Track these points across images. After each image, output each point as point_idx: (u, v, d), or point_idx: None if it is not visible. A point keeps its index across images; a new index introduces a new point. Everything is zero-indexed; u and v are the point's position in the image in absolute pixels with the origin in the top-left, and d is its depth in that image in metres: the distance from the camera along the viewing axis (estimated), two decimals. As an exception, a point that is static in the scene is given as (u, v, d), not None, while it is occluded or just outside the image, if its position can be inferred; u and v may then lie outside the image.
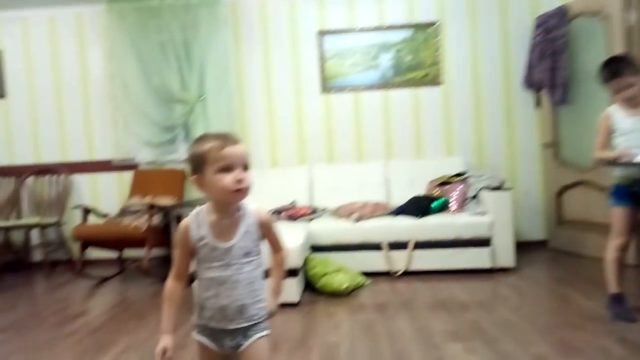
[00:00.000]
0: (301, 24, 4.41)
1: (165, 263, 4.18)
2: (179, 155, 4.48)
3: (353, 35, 4.36)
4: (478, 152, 4.34)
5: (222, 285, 1.23)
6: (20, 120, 4.60)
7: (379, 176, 4.17)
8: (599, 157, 2.46)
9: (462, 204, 3.73)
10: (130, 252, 4.27)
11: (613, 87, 2.39)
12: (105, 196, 4.56)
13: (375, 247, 3.55)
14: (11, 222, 4.29)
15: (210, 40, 4.32)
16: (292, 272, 2.89)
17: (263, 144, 4.45)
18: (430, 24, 4.30)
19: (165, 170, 4.46)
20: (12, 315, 3.10)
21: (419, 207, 3.66)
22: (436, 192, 3.87)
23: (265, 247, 1.33)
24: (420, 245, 3.52)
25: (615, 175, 2.46)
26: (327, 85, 4.39)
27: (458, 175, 3.95)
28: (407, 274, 3.50)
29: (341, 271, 3.24)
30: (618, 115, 2.41)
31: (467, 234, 3.49)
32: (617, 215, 2.42)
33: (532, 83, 4.15)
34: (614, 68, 2.38)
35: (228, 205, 1.25)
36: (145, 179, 4.38)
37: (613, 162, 2.38)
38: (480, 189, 3.74)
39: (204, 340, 1.27)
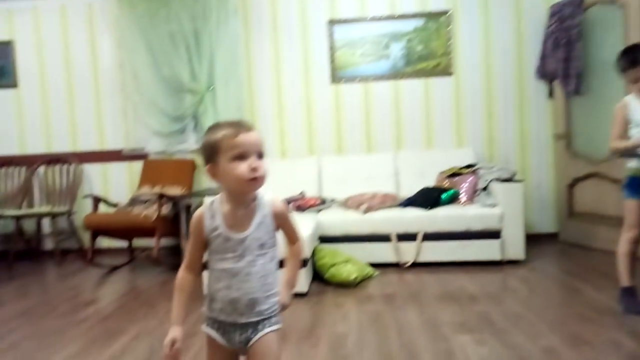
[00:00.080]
0: (311, 13, 4.37)
1: (174, 253, 4.21)
2: (189, 146, 4.49)
3: (364, 24, 4.31)
4: (489, 143, 4.29)
5: (234, 277, 1.19)
6: (32, 110, 4.63)
7: (389, 167, 4.15)
8: (615, 147, 2.42)
9: (472, 196, 3.70)
10: (139, 242, 4.30)
11: (630, 76, 2.34)
12: (115, 186, 4.59)
13: (384, 238, 3.54)
14: (23, 211, 4.34)
15: (220, 30, 4.30)
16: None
17: (272, 135, 4.44)
18: (442, 13, 4.24)
19: (174, 160, 4.47)
20: (24, 302, 3.15)
21: (428, 198, 3.64)
22: (446, 183, 3.84)
23: (280, 238, 1.29)
24: (430, 236, 3.50)
25: (629, 167, 2.42)
26: (337, 75, 4.36)
27: (468, 166, 3.91)
28: (415, 265, 3.49)
29: (350, 262, 3.23)
30: (634, 105, 2.36)
31: (477, 226, 3.46)
32: (630, 207, 2.38)
33: (545, 73, 4.08)
34: (632, 57, 2.33)
35: (243, 195, 1.21)
36: (155, 169, 4.40)
37: (629, 153, 2.34)
38: (491, 181, 3.70)
39: (213, 333, 1.23)
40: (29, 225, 4.62)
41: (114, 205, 4.22)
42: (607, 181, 3.66)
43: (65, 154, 4.59)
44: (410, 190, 3.90)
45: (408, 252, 3.51)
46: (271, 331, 1.22)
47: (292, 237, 1.32)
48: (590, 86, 3.82)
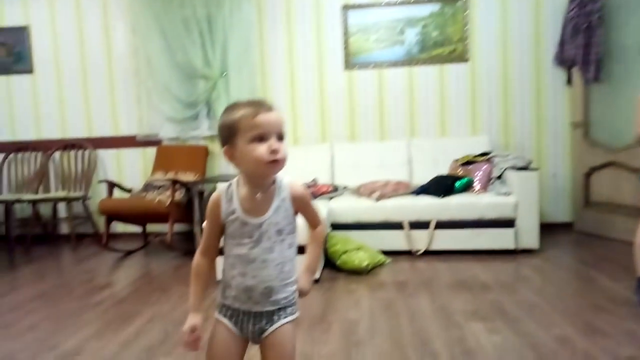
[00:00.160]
0: (325, -2, 4.33)
1: (187, 238, 4.25)
2: (202, 132, 4.51)
3: (378, 9, 4.25)
4: (504, 131, 4.23)
5: (250, 264, 1.13)
6: (47, 95, 4.67)
7: (402, 155, 4.12)
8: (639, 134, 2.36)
9: (487, 184, 3.66)
10: (153, 227, 4.34)
11: None
12: (129, 171, 4.63)
13: (397, 226, 3.53)
14: (39, 196, 4.40)
15: (233, 16, 4.28)
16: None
17: (285, 121, 4.41)
18: (458, -2, 4.16)
19: (187, 146, 4.49)
20: (41, 285, 3.21)
21: (441, 186, 3.61)
22: (460, 171, 3.80)
23: (301, 223, 1.23)
24: (443, 224, 3.48)
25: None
26: (351, 61, 4.32)
27: (483, 154, 3.86)
28: (428, 253, 3.48)
29: (361, 249, 3.23)
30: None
31: (490, 215, 3.43)
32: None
33: (563, 60, 4.00)
34: None
35: (262, 179, 1.14)
36: (169, 155, 4.42)
37: None
38: (506, 169, 3.66)
39: (226, 321, 1.18)
40: (45, 210, 4.70)
41: (128, 190, 4.26)
42: (625, 170, 3.59)
43: (80, 139, 4.63)
44: (423, 178, 3.87)
45: (420, 240, 3.50)
46: (287, 322, 1.17)
47: (313, 222, 1.26)
48: (610, 73, 3.73)
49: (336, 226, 3.51)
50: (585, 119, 3.95)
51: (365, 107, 4.35)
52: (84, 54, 4.60)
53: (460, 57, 4.20)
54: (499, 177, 3.69)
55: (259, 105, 1.11)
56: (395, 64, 4.27)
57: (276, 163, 1.09)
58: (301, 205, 1.20)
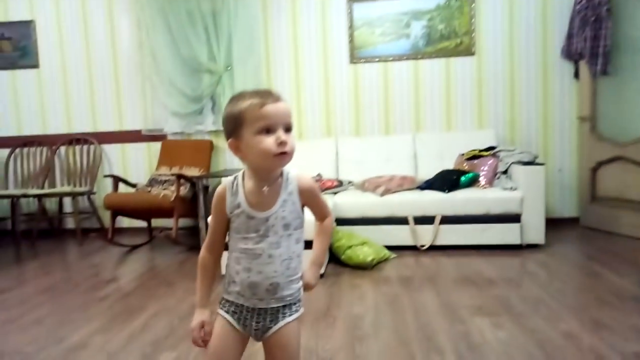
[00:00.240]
0: (329, -9, 4.30)
1: (192, 233, 4.26)
2: (206, 126, 4.50)
3: (384, 2, 4.22)
4: (511, 125, 4.20)
5: (256, 259, 1.10)
6: (53, 90, 4.68)
7: (407, 149, 4.10)
8: None
9: (492, 179, 3.64)
10: (158, 222, 4.36)
11: None
12: (134, 166, 4.64)
13: (402, 221, 3.52)
14: (45, 191, 4.42)
15: (238, 10, 4.26)
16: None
17: (292, 112, 4.40)
18: (464, -9, 4.12)
19: (192, 141, 4.49)
20: (47, 279, 3.23)
21: (447, 181, 3.59)
22: (465, 166, 3.78)
23: (308, 215, 1.19)
24: (448, 220, 3.47)
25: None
26: (356, 55, 4.29)
27: (489, 149, 3.84)
28: (433, 248, 3.47)
29: (366, 244, 3.23)
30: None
31: (496, 209, 3.41)
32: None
33: (571, 53, 3.96)
34: None
35: (268, 172, 1.11)
36: (173, 150, 4.42)
37: None
38: (512, 164, 3.63)
39: (228, 317, 1.15)
40: (51, 205, 4.72)
41: (133, 185, 4.27)
42: (633, 165, 3.56)
43: (85, 134, 4.64)
44: (428, 172, 3.85)
45: (425, 235, 3.49)
46: (292, 320, 1.14)
47: (321, 214, 1.22)
48: (618, 66, 3.69)
49: (341, 221, 3.51)
50: (592, 113, 3.91)
51: (370, 101, 4.33)
52: (89, 49, 4.60)
53: (466, 50, 4.17)
54: (505, 171, 3.67)
55: (266, 95, 1.06)
56: (400, 57, 4.24)
57: (284, 155, 1.06)
58: (310, 198, 1.17)
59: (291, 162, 1.09)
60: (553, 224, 3.86)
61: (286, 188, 1.13)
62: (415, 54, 4.22)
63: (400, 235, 3.51)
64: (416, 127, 4.30)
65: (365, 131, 4.36)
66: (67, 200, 4.68)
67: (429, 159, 4.02)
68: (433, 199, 3.50)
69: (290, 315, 1.14)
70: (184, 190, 3.90)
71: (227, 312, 1.15)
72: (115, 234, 4.01)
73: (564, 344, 1.94)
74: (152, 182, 4.14)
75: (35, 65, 4.66)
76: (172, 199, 3.74)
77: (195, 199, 3.90)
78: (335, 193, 3.74)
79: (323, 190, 3.76)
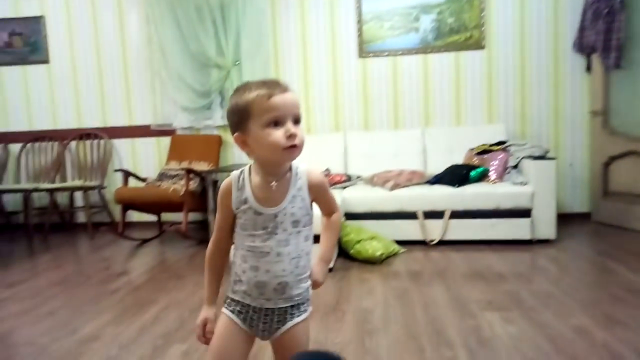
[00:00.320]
0: (338, -15, 4.28)
1: (202, 227, 4.28)
2: (215, 121, 4.51)
3: (393, -4, 4.19)
4: (521, 119, 4.16)
5: (263, 257, 1.05)
6: (63, 85, 4.71)
7: (416, 144, 4.08)
8: None
9: (502, 174, 3.61)
10: (168, 216, 4.39)
11: None
12: (143, 161, 4.66)
13: (411, 215, 3.50)
14: (56, 185, 4.46)
15: (246, 4, 4.25)
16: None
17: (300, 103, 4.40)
18: (474, -16, 4.08)
19: (201, 136, 4.51)
20: (59, 272, 3.26)
21: (456, 175, 3.57)
22: (475, 160, 3.75)
23: (315, 210, 1.15)
24: (457, 214, 3.45)
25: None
26: (365, 49, 4.27)
27: (499, 143, 3.81)
28: (442, 243, 3.46)
29: (375, 238, 3.22)
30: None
31: (506, 204, 3.39)
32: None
33: (583, 46, 3.91)
34: None
35: (277, 166, 1.06)
36: (182, 144, 4.44)
37: None
38: (522, 158, 3.60)
39: (234, 317, 1.10)
40: (62, 199, 4.77)
41: (143, 180, 4.29)
42: (646, 159, 3.52)
43: (95, 129, 4.68)
44: (438, 167, 3.84)
45: (435, 230, 3.48)
46: (300, 321, 1.10)
47: (329, 209, 1.18)
48: (631, 59, 3.64)
49: (350, 216, 3.51)
50: (604, 107, 3.86)
51: (379, 95, 4.32)
52: (99, 44, 4.62)
53: (476, 44, 4.13)
54: (515, 166, 3.64)
55: (274, 86, 1.01)
56: (409, 51, 4.22)
57: (294, 149, 1.01)
58: (319, 193, 1.13)
59: (300, 155, 1.05)
60: (564, 219, 3.83)
61: (295, 183, 1.08)
62: (424, 48, 4.19)
63: (410, 229, 3.50)
64: (425, 122, 4.27)
65: (374, 126, 4.35)
66: (78, 195, 4.72)
67: (439, 153, 4.00)
68: (442, 193, 3.49)
69: (298, 315, 1.10)
70: (193, 184, 3.92)
71: (232, 311, 1.11)
72: (125, 228, 4.04)
73: (576, 339, 1.93)
74: (162, 176, 4.16)
75: (45, 61, 4.69)
76: (182, 193, 3.75)
77: (204, 194, 3.92)
78: (344, 188, 3.74)
79: (332, 185, 3.76)
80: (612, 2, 3.61)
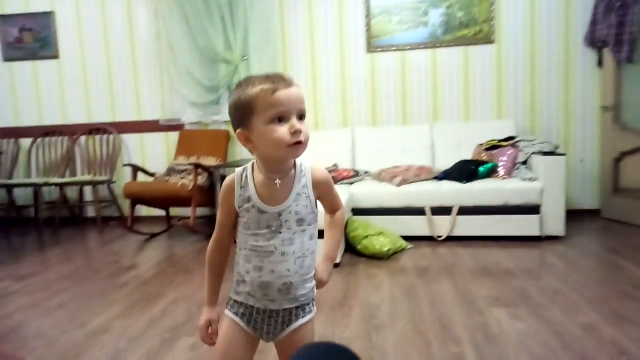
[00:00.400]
0: (346, -21, 4.25)
1: (209, 222, 4.30)
2: (223, 116, 4.52)
3: (401, -10, 4.16)
4: (531, 115, 4.12)
5: (267, 257, 1.03)
6: (73, 80, 4.75)
7: (424, 139, 4.06)
8: None
9: (511, 169, 3.59)
10: (176, 211, 4.41)
11: None
12: (152, 155, 4.69)
13: (418, 211, 3.49)
14: (66, 179, 4.50)
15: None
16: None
17: (306, 106, 4.39)
18: (484, -23, 4.04)
19: (209, 131, 4.52)
20: (69, 266, 3.30)
21: (465, 171, 3.55)
22: (484, 156, 3.73)
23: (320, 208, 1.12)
24: (466, 210, 3.43)
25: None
26: (373, 43, 4.25)
27: (508, 139, 3.78)
28: (450, 239, 3.44)
29: (382, 234, 3.22)
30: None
31: (515, 200, 3.36)
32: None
33: (595, 40, 3.86)
34: None
35: (281, 163, 1.03)
36: (191, 139, 4.46)
37: None
38: (532, 154, 3.57)
39: (237, 319, 1.08)
40: (72, 193, 4.81)
41: (152, 174, 4.32)
42: (658, 155, 3.47)
43: (104, 123, 4.71)
44: (446, 163, 3.82)
45: (442, 226, 3.46)
46: (305, 322, 1.08)
47: (333, 206, 1.16)
48: (643, 54, 3.59)
49: (357, 211, 3.50)
50: (616, 102, 3.81)
51: (387, 90, 4.30)
52: (108, 39, 4.64)
53: (485, 38, 4.09)
54: (525, 162, 3.61)
55: (278, 80, 0.97)
56: (418, 46, 4.19)
57: (299, 145, 0.97)
58: (324, 190, 1.10)
59: (305, 152, 1.02)
60: (573, 215, 3.79)
61: (299, 180, 1.05)
62: (433, 43, 4.16)
63: (417, 225, 3.49)
64: (434, 117, 4.25)
65: (382, 121, 4.33)
66: (87, 189, 4.76)
67: (447, 149, 3.98)
68: (450, 189, 3.47)
69: (303, 316, 1.08)
70: (201, 179, 3.94)
71: (235, 313, 1.09)
72: (134, 222, 4.07)
73: (584, 335, 1.91)
74: (170, 171, 4.18)
75: (55, 56, 4.73)
76: (190, 188, 3.77)
77: (212, 188, 3.93)
78: (351, 183, 3.74)
79: (339, 180, 3.76)
80: (625, -5, 3.56)
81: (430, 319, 2.14)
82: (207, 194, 3.97)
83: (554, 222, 3.35)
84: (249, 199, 1.04)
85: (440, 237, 3.46)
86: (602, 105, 3.93)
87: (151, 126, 4.65)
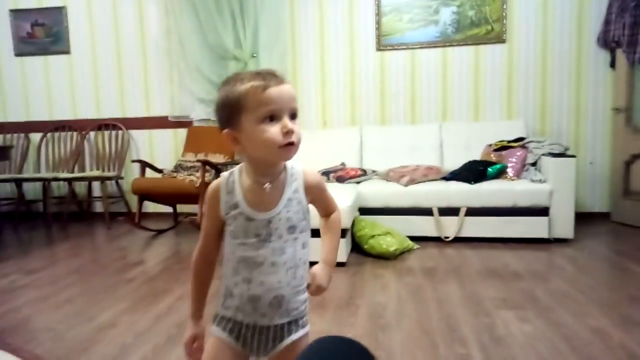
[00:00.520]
0: (357, -23, 4.24)
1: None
2: (231, 113, 4.52)
3: (412, -11, 4.14)
4: (541, 116, 4.09)
5: (257, 268, 0.96)
6: (83, 76, 4.77)
7: (433, 139, 4.04)
8: None
9: (521, 171, 3.56)
10: (183, 208, 4.43)
11: None
12: (160, 152, 4.71)
13: (426, 211, 3.48)
14: (75, 175, 4.53)
15: (264, -4, 4.25)
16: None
17: (314, 104, 4.40)
18: (496, -24, 4.00)
19: (217, 128, 4.51)
20: (77, 260, 3.32)
21: (473, 172, 3.53)
22: (493, 157, 3.70)
23: (313, 211, 1.07)
24: (473, 211, 3.41)
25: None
26: (383, 42, 4.23)
27: (518, 140, 3.75)
28: (457, 240, 3.42)
29: (389, 234, 3.21)
30: None
31: (524, 202, 3.33)
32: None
33: (607, 41, 3.81)
34: None
35: (272, 165, 0.97)
36: (199, 136, 4.47)
37: None
38: (541, 156, 3.54)
39: (225, 336, 1.00)
40: (80, 189, 4.84)
41: (160, 171, 4.33)
42: (670, 158, 3.43)
43: (114, 119, 4.73)
44: (455, 163, 3.80)
45: (450, 227, 3.44)
46: (298, 338, 1.01)
47: (328, 210, 1.09)
48: (657, 55, 3.54)
49: (364, 210, 3.49)
50: (628, 104, 3.77)
51: (396, 89, 4.28)
52: (118, 35, 4.67)
53: (497, 37, 4.06)
54: (534, 163, 3.58)
55: (269, 77, 0.91)
56: (428, 45, 4.16)
57: (291, 147, 0.91)
58: (317, 194, 1.04)
59: (297, 153, 0.96)
60: (583, 218, 3.76)
61: (291, 185, 0.99)
62: (443, 41, 4.14)
63: (425, 226, 3.48)
64: (443, 117, 4.22)
65: (391, 120, 4.31)
66: (96, 185, 4.79)
67: (456, 149, 3.95)
68: (458, 189, 3.45)
69: (296, 332, 1.01)
70: (209, 176, 3.94)
71: (223, 329, 1.01)
72: (141, 219, 4.09)
73: (592, 339, 1.89)
74: (178, 167, 4.19)
75: (66, 51, 4.76)
76: (198, 184, 3.78)
77: (220, 185, 3.93)
78: (359, 182, 3.73)
79: (347, 179, 3.75)
80: (639, -5, 3.51)
81: (436, 320, 2.13)
82: (214, 191, 3.97)
83: (563, 224, 3.32)
84: (236, 206, 0.98)
85: (447, 238, 3.44)
86: (614, 107, 3.89)
87: (160, 122, 4.66)
